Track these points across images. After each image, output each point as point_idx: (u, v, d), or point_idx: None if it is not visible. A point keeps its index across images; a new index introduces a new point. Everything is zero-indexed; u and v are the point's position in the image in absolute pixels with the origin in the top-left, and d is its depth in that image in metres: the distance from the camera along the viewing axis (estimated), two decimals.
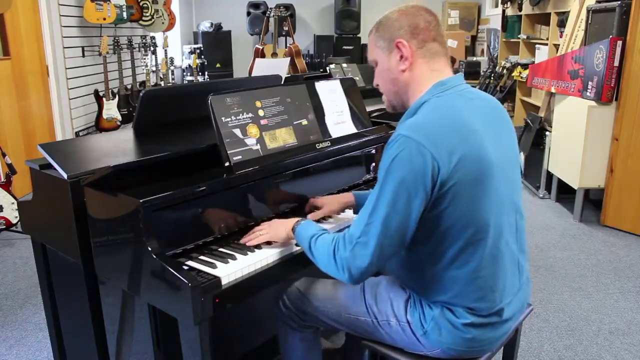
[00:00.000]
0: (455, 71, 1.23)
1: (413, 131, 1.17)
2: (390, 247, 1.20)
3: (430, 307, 1.32)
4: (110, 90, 4.89)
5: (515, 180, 1.34)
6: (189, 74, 6.49)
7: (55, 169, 1.51)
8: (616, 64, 3.31)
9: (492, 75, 5.77)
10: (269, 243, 1.47)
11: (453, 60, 6.33)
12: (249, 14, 7.28)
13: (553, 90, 4.02)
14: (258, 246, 1.45)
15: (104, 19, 4.81)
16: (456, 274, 1.25)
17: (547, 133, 4.10)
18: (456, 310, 1.28)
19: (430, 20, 1.31)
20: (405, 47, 1.29)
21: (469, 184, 1.18)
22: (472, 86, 1.38)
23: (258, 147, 1.62)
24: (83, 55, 4.95)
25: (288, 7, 7.03)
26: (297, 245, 1.46)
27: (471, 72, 6.45)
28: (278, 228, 1.46)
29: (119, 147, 1.70)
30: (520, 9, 5.70)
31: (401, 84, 1.33)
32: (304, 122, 1.80)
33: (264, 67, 3.04)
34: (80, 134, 4.90)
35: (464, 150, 1.18)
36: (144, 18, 5.63)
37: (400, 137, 1.18)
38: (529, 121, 4.41)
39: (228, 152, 1.53)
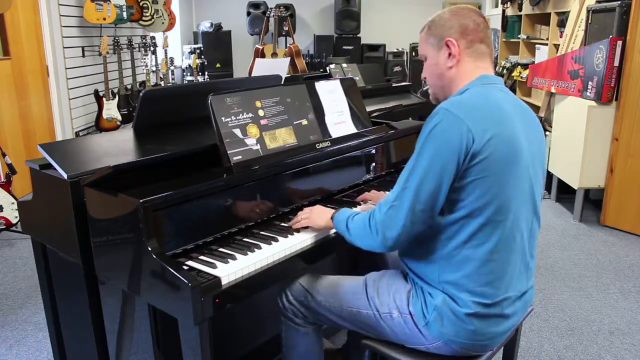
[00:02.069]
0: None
1: (453, 106, 1.27)
2: (421, 213, 1.26)
3: (432, 296, 1.33)
4: (110, 90, 4.89)
5: (538, 183, 1.38)
6: (189, 74, 6.49)
7: (55, 169, 1.51)
8: (616, 64, 3.31)
9: None
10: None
11: None
12: (249, 14, 7.28)
13: (553, 90, 4.02)
14: (258, 246, 1.45)
15: (104, 19, 4.81)
16: (471, 253, 1.28)
17: (547, 133, 4.10)
18: (459, 299, 1.29)
19: (479, 22, 1.38)
20: (454, 46, 1.37)
21: (498, 162, 1.24)
22: None
23: (258, 147, 1.62)
24: (83, 55, 4.96)
25: (288, 7, 7.03)
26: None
27: None
28: (317, 217, 1.57)
29: (119, 147, 1.69)
30: (520, 9, 5.69)
31: (447, 79, 1.41)
32: (304, 122, 1.80)
33: (264, 67, 3.04)
34: (80, 134, 4.91)
35: (498, 130, 1.25)
36: (144, 18, 5.63)
37: (440, 110, 1.27)
38: None
39: (228, 152, 1.53)
